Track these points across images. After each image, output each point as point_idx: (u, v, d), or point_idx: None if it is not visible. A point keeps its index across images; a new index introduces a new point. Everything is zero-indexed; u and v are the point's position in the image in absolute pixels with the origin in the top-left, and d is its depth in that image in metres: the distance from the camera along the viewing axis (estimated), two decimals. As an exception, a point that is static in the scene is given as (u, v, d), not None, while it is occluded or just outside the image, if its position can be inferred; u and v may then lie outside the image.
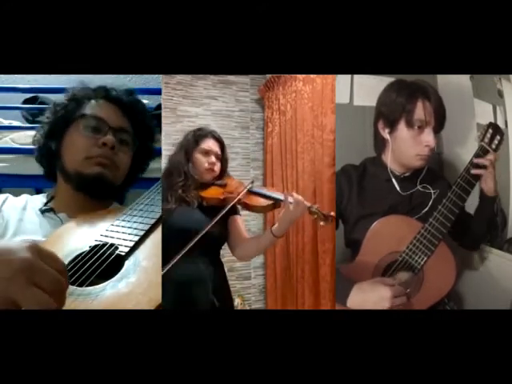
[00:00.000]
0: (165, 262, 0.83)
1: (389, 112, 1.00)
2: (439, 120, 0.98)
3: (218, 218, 1.03)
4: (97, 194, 0.98)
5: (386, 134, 1.02)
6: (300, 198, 1.00)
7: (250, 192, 1.13)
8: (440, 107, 0.97)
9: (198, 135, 1.20)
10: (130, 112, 1.05)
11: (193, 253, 0.96)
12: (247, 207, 1.12)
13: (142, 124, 1.08)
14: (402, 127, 0.98)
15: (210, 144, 1.18)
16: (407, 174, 1.03)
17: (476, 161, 0.93)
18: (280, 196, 1.07)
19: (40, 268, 0.51)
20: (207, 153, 1.17)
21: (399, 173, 1.03)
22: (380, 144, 1.06)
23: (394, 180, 1.01)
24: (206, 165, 1.16)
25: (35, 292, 0.49)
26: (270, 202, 1.08)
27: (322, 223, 1.01)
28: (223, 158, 1.22)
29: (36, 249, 0.53)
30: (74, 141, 0.98)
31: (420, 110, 0.96)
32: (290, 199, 1.00)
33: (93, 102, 1.02)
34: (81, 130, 0.97)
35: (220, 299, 1.06)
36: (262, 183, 2.46)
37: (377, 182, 1.04)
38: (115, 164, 0.99)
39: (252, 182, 1.17)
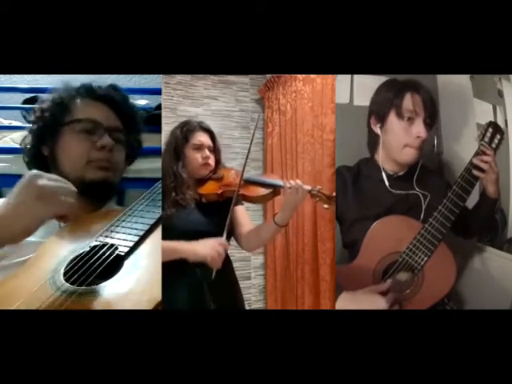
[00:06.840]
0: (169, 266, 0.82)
1: (379, 108, 1.00)
2: (430, 111, 0.97)
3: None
4: (100, 198, 0.98)
5: (377, 129, 1.02)
6: (299, 182, 0.98)
7: (247, 182, 1.09)
8: (429, 99, 0.98)
9: (186, 130, 1.14)
10: (118, 108, 1.03)
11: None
12: (246, 199, 1.09)
13: (131, 118, 1.06)
14: (392, 119, 0.99)
15: (200, 137, 1.14)
16: (401, 173, 1.03)
17: (476, 162, 0.92)
18: (278, 181, 1.05)
19: (49, 188, 0.67)
20: (199, 147, 1.13)
21: (392, 172, 1.03)
22: (373, 142, 1.05)
23: (385, 178, 1.01)
24: (200, 160, 1.12)
25: (58, 200, 0.67)
26: (269, 191, 1.04)
27: (325, 206, 0.98)
28: (215, 149, 1.17)
29: (39, 176, 0.68)
30: (69, 146, 0.96)
31: (408, 101, 0.97)
32: (289, 184, 0.98)
33: (79, 102, 1.00)
34: (76, 135, 0.95)
35: (231, 296, 1.07)
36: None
37: (371, 182, 1.03)
38: (114, 165, 0.98)
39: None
